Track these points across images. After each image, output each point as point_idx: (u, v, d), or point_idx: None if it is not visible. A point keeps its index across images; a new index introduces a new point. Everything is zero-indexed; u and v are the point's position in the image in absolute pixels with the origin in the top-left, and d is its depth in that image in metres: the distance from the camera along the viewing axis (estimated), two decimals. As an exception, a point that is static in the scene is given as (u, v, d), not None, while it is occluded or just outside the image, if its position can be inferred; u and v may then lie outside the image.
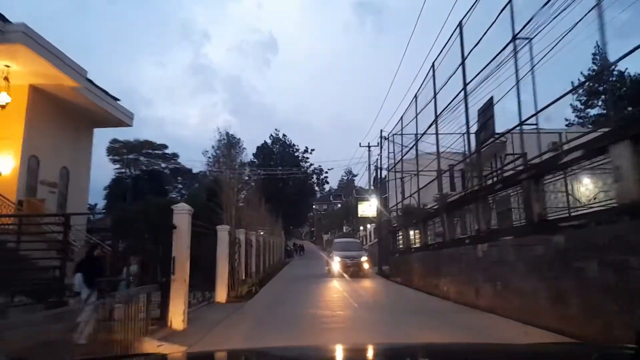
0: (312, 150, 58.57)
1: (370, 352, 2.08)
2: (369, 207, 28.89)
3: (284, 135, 57.86)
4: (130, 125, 14.60)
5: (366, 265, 20.65)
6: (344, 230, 55.27)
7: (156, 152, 60.99)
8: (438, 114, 16.45)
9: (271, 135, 57.75)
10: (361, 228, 31.68)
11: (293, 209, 53.80)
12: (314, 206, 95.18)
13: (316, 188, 59.09)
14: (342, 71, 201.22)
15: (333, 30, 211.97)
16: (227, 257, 12.89)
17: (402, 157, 18.88)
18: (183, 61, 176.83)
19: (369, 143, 34.96)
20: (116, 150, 56.46)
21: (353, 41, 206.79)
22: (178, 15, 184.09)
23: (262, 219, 48.38)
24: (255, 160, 56.36)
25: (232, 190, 20.10)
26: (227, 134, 56.98)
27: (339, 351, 2.27)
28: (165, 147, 60.62)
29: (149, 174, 55.78)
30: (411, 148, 18.14)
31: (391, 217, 23.41)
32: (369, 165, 34.59)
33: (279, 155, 56.99)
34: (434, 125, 16.51)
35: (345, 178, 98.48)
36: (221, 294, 11.04)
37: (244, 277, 15.84)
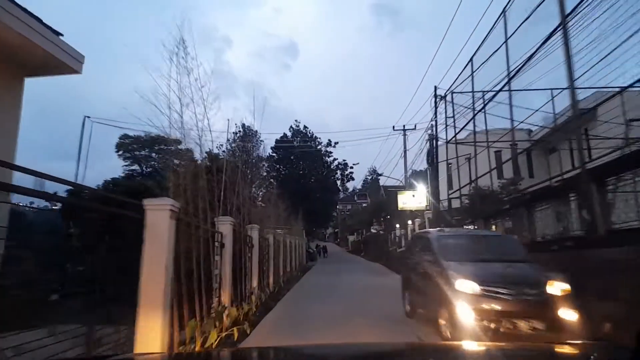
0: (336, 143, 53.58)
1: (380, 351, 2.12)
2: (411, 198, 23.65)
3: (305, 127, 53.10)
4: (79, 72, 9.74)
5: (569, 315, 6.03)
6: (373, 231, 49.76)
7: (169, 147, 57.19)
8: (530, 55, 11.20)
9: (291, 127, 53.11)
10: (397, 226, 26.36)
11: (315, 207, 48.85)
12: (338, 206, 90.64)
13: (340, 185, 53.85)
14: (362, 72, 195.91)
15: (351, 32, 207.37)
16: (231, 264, 8.35)
17: (474, 115, 13.50)
18: (205, 66, 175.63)
19: (404, 125, 29.75)
20: (126, 146, 52.90)
21: (371, 42, 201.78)
22: (199, 21, 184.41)
23: (281, 217, 43.62)
24: (274, 154, 51.74)
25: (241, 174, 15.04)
26: (243, 125, 52.97)
27: (347, 350, 2.31)
28: (179, 142, 56.57)
29: (159, 172, 51.87)
30: (488, 102, 12.81)
31: (440, 206, 18.27)
32: (405, 151, 29.26)
33: (299, 148, 52.17)
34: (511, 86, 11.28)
35: (370, 178, 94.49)
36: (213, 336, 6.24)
37: (252, 287, 11.05)
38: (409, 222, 20.82)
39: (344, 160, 53.55)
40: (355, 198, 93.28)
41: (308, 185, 50.28)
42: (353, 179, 53.76)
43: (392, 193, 32.79)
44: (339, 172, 53.70)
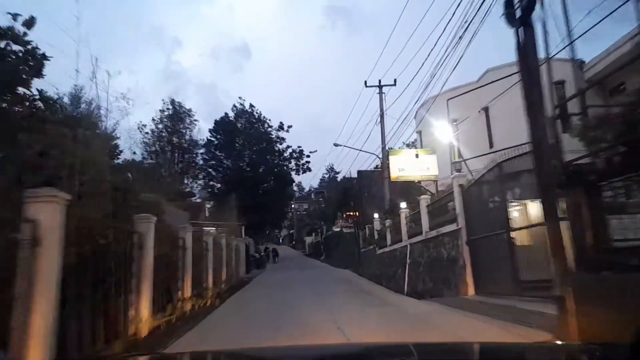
0: (289, 127, 44.85)
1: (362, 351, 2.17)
2: (414, 162, 15.43)
3: (251, 106, 43.82)
4: None
5: None
6: (335, 230, 41.51)
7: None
8: None
9: (234, 106, 43.61)
10: (375, 216, 18.26)
11: (265, 201, 39.91)
12: (293, 205, 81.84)
13: (295, 174, 45.05)
14: (316, 72, 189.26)
15: (305, 32, 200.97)
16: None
17: None
18: (155, 67, 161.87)
19: (379, 81, 21.77)
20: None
21: (325, 42, 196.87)
22: (149, 20, 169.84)
23: (221, 212, 33.93)
24: (212, 139, 42.16)
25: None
26: (173, 102, 42.94)
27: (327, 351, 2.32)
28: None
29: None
30: None
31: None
32: (382, 113, 21.34)
33: (245, 132, 42.94)
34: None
35: (328, 176, 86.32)
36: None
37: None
38: (422, 197, 12.54)
39: (298, 148, 44.91)
40: (312, 196, 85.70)
41: (256, 175, 41.20)
42: (310, 169, 45.26)
43: (365, 176, 24.76)
44: (293, 161, 45.00)
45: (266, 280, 19.57)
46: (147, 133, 38.43)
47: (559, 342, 3.09)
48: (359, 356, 2.11)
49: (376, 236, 18.05)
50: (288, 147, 45.16)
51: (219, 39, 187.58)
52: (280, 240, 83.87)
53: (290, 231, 78.04)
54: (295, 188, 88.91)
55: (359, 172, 24.18)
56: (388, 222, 15.86)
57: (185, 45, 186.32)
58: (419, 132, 20.14)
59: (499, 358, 1.92)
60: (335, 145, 22.51)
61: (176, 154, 38.89)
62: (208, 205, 38.02)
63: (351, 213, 34.71)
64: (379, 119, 21.20)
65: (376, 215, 18.48)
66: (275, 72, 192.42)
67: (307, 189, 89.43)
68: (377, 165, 23.51)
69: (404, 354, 2.09)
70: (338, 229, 40.65)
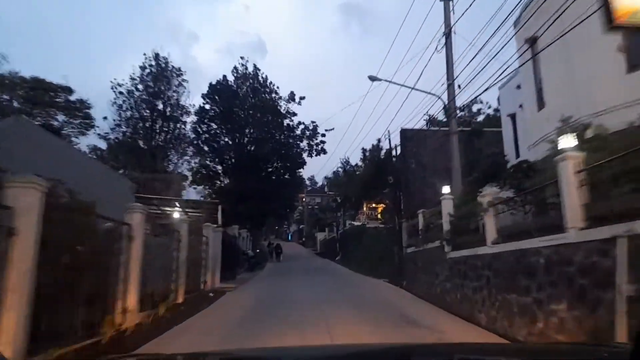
0: (302, 98, 36.64)
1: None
2: None
3: (256, 68, 35.67)
4: None
5: None
6: (355, 223, 33.18)
7: (57, 100, 38.15)
8: None
9: (234, 68, 35.41)
10: (445, 191, 10.09)
11: (269, 187, 31.90)
12: (303, 198, 73.87)
13: (307, 156, 36.69)
14: (333, 70, 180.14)
15: (320, 32, 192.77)
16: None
17: None
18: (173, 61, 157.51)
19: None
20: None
21: (340, 42, 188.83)
22: (167, 15, 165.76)
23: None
24: (206, 104, 34.22)
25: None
26: (157, 56, 34.93)
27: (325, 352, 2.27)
28: (70, 91, 37.61)
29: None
30: None
31: None
32: (449, 29, 13.08)
33: (246, 99, 34.88)
34: None
35: (343, 169, 78.21)
36: None
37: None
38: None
39: (312, 124, 36.61)
40: (326, 189, 77.89)
41: (259, 155, 33.13)
42: (324, 151, 36.87)
43: (415, 138, 16.31)
44: (305, 140, 36.79)
45: (247, 298, 11.43)
46: (121, 93, 30.84)
47: (561, 343, 3.15)
48: (358, 357, 2.05)
49: (446, 227, 9.94)
50: (300, 123, 37.00)
51: (235, 36, 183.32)
52: (290, 237, 76.14)
53: (300, 226, 70.09)
54: (307, 182, 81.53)
55: (403, 131, 15.89)
56: (488, 199, 7.62)
57: (201, 41, 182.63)
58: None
59: (500, 358, 1.93)
60: (371, 79, 14.17)
61: (159, 123, 31.11)
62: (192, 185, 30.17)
63: (378, 203, 26.56)
64: (441, 41, 12.93)
65: (446, 190, 10.35)
66: (291, 69, 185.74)
67: (320, 183, 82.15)
68: (428, 118, 15.03)
69: (403, 355, 2.04)
70: (358, 223, 32.38)
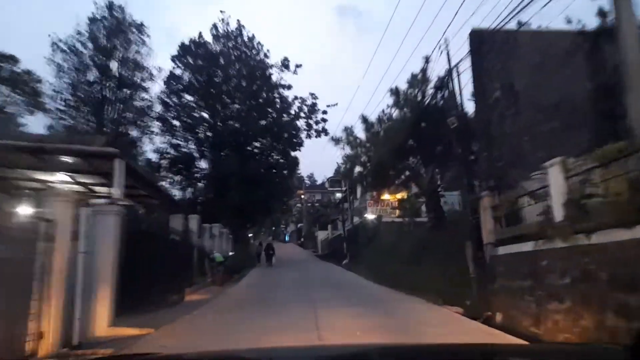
0: (298, 66, 29.48)
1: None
2: None
3: (240, 26, 28.45)
4: None
5: None
6: (368, 217, 26.05)
7: None
8: None
9: (213, 26, 28.16)
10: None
11: (256, 173, 24.82)
12: (302, 196, 66.81)
13: (305, 137, 29.50)
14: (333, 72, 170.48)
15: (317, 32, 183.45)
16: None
17: None
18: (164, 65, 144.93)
19: None
20: None
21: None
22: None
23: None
24: (176, 69, 27.04)
25: None
26: (112, 6, 27.45)
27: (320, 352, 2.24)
28: (15, 60, 30.23)
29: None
30: None
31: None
32: None
33: (228, 63, 27.66)
34: None
35: (344, 166, 71.38)
36: None
37: None
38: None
39: (311, 96, 29.44)
40: (327, 185, 71.27)
41: (244, 131, 26.04)
42: (326, 132, 29.68)
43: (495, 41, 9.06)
44: (302, 116, 29.65)
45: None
46: (63, 52, 23.73)
47: (563, 342, 3.17)
48: (353, 357, 1.98)
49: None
50: (296, 98, 29.80)
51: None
52: (287, 237, 69.17)
53: (299, 225, 63.23)
54: (306, 180, 74.27)
55: (475, 34, 8.75)
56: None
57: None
58: None
59: (500, 359, 1.89)
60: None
61: (109, 88, 23.98)
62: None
63: (409, 182, 19.67)
64: None
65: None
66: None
67: (319, 181, 75.04)
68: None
69: (397, 355, 1.98)
70: (371, 216, 25.30)
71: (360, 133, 18.27)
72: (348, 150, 19.27)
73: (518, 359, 1.87)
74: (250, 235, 40.30)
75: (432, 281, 10.27)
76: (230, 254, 17.27)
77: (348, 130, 17.80)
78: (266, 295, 12.03)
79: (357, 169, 18.71)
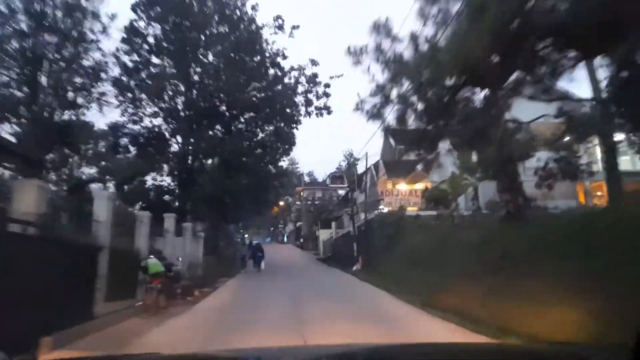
0: (295, 28, 23.75)
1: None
2: None
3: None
4: None
5: None
6: (382, 210, 20.28)
7: None
8: None
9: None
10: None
11: (239, 154, 19.09)
12: (301, 193, 61.14)
13: (304, 114, 23.73)
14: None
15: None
16: None
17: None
18: None
19: None
20: None
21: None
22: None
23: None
24: (139, 21, 21.17)
25: None
26: None
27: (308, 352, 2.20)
28: None
29: None
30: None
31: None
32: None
33: (207, 20, 21.83)
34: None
35: (346, 163, 63.82)
36: None
37: None
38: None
39: (311, 63, 23.63)
40: (328, 182, 66.99)
41: (228, 98, 20.29)
42: (329, 110, 23.80)
43: None
44: (300, 90, 23.94)
45: None
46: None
47: (562, 342, 3.02)
48: (345, 357, 1.98)
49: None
50: (292, 68, 23.97)
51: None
52: (285, 238, 63.82)
53: (298, 224, 57.71)
54: (306, 178, 68.46)
55: None
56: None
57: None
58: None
59: (499, 358, 1.86)
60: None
61: (46, 43, 18.15)
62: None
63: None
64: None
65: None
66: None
67: (319, 179, 69.37)
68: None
69: (390, 356, 1.97)
70: (389, 210, 19.48)
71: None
72: (376, 71, 9.93)
73: (518, 358, 1.87)
74: (246, 236, 34.53)
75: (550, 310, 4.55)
76: (179, 259, 11.41)
77: (381, 27, 9.67)
78: (230, 338, 6.26)
79: (403, 90, 9.31)
